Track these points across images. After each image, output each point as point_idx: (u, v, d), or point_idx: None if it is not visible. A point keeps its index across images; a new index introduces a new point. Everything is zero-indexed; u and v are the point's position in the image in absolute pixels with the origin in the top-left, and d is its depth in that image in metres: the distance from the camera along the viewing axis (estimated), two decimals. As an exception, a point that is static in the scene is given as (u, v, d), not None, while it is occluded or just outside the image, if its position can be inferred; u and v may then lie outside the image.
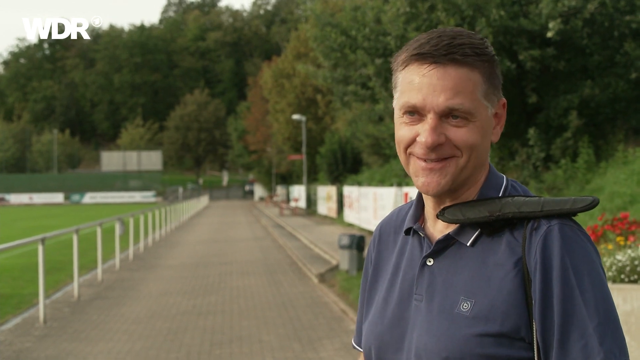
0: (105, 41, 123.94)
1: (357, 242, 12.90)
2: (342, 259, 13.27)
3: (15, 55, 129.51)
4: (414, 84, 1.37)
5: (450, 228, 1.43)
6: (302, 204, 40.33)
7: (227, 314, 9.90)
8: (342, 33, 17.07)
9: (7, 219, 39.49)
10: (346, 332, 8.39)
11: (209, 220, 38.10)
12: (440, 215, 1.42)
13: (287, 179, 59.10)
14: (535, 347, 1.32)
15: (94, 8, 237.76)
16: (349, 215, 25.52)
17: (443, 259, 1.42)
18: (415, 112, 1.38)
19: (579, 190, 13.17)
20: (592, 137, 14.64)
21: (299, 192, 43.04)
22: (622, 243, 6.74)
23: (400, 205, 1.67)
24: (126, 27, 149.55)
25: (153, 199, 79.44)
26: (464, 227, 1.41)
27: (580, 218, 1.43)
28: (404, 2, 14.66)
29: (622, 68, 14.78)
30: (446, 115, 1.36)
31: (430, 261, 1.43)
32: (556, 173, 14.27)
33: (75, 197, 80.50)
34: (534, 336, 1.31)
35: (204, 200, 64.47)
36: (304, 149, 38.31)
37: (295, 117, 38.12)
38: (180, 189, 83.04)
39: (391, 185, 18.95)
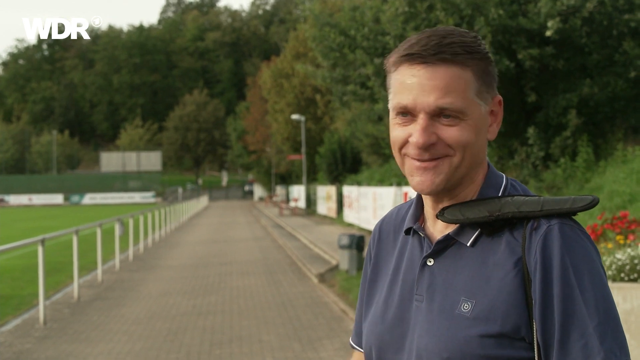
0: (104, 42, 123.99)
1: (357, 242, 12.90)
2: (342, 259, 13.27)
3: (14, 56, 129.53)
4: (405, 85, 1.37)
5: (450, 228, 1.43)
6: (302, 204, 40.32)
7: (227, 314, 9.90)
8: (341, 33, 17.07)
9: (6, 220, 39.49)
10: (346, 332, 8.39)
11: (209, 221, 38.10)
12: (439, 216, 1.42)
13: (287, 179, 59.06)
14: (535, 347, 1.31)
15: (93, 8, 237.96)
16: (349, 215, 25.50)
17: (443, 259, 1.42)
18: (407, 113, 1.38)
19: (578, 189, 13.17)
20: (591, 136, 14.65)
21: (298, 192, 43.03)
22: (621, 242, 6.74)
23: (399, 204, 1.67)
24: (125, 28, 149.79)
25: (152, 200, 79.47)
26: (464, 227, 1.41)
27: (580, 217, 1.43)
28: (402, 2, 14.64)
29: (621, 67, 14.78)
30: (437, 114, 1.36)
31: (430, 261, 1.43)
32: (555, 172, 14.27)
33: (75, 198, 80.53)
34: (535, 336, 1.31)
35: (203, 200, 64.46)
36: (303, 149, 38.30)
37: (295, 117, 38.11)
38: (180, 190, 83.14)
39: (390, 184, 18.94)
